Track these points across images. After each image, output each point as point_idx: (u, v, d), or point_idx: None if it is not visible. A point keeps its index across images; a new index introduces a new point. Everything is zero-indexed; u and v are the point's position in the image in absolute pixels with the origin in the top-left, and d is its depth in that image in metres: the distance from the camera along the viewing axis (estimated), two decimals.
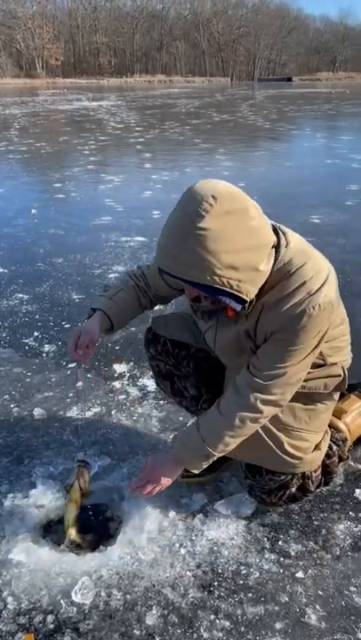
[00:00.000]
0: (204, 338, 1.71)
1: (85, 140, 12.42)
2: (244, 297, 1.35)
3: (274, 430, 1.60)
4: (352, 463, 1.94)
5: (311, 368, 1.55)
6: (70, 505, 1.69)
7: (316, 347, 1.47)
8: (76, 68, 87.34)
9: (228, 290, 1.32)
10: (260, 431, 1.58)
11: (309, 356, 1.49)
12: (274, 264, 1.39)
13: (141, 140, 12.43)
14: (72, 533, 1.66)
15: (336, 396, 1.71)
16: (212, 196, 1.25)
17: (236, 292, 1.33)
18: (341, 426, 1.89)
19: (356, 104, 25.56)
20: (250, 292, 1.36)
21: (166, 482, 1.60)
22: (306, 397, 1.64)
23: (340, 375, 1.64)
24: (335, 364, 1.62)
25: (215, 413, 1.55)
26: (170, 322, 1.91)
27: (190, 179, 7.74)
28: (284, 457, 1.61)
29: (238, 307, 1.38)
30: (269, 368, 1.47)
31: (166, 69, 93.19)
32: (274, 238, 1.39)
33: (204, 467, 1.59)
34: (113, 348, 2.91)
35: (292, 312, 1.38)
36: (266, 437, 1.59)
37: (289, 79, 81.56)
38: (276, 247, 1.41)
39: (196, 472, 1.61)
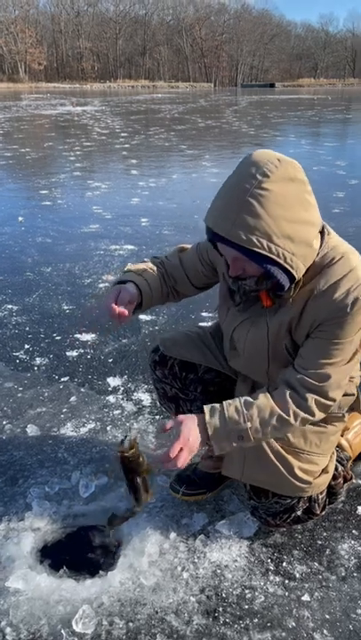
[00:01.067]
0: (232, 337, 1.61)
1: (71, 145, 12.34)
2: (295, 273, 1.31)
3: (284, 453, 1.55)
4: (354, 480, 1.91)
5: None
6: (144, 476, 1.48)
7: (359, 343, 1.44)
8: (60, 72, 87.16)
9: (281, 262, 1.27)
10: (270, 454, 1.54)
11: (357, 355, 1.45)
12: (319, 248, 1.38)
13: (127, 145, 12.39)
14: (148, 498, 1.51)
15: (346, 417, 1.68)
16: (278, 159, 1.25)
17: (288, 267, 1.28)
18: (344, 443, 1.87)
19: (339, 110, 25.85)
20: (300, 269, 1.32)
21: (194, 451, 1.42)
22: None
23: (353, 394, 1.62)
24: (352, 379, 1.60)
25: (267, 400, 1.43)
26: (178, 340, 1.83)
27: (177, 185, 7.74)
28: (294, 481, 1.57)
29: (287, 283, 1.33)
30: (318, 366, 1.41)
31: (150, 74, 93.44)
32: (322, 221, 1.39)
33: (227, 450, 1.43)
34: (106, 360, 2.86)
35: (343, 300, 1.34)
36: (276, 461, 1.55)
37: (272, 85, 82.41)
38: (321, 232, 1.40)
39: (216, 452, 1.43)
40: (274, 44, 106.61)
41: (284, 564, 1.66)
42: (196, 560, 1.66)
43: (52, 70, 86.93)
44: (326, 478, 1.68)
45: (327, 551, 1.70)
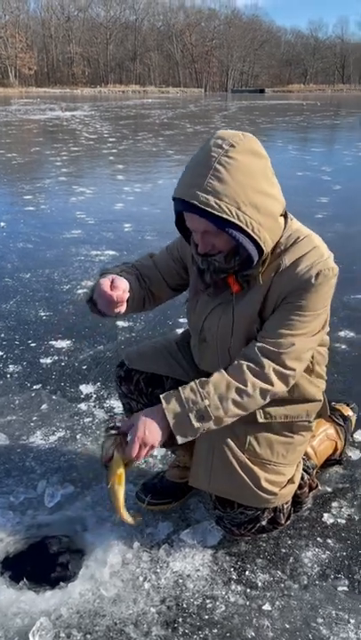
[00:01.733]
0: (203, 327, 1.59)
1: (58, 150, 12.33)
2: (262, 245, 1.34)
3: (250, 465, 1.54)
4: (320, 487, 1.91)
5: (303, 374, 1.55)
6: (114, 487, 1.45)
7: (324, 323, 1.48)
8: (50, 77, 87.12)
9: (249, 231, 1.31)
10: (237, 465, 1.53)
11: (318, 333, 1.47)
12: (283, 229, 1.43)
13: (114, 150, 12.40)
14: (128, 519, 1.50)
15: (314, 426, 1.68)
16: (242, 134, 1.33)
17: (255, 237, 1.32)
18: (310, 451, 1.86)
19: (327, 116, 26.05)
20: (267, 241, 1.36)
21: (155, 445, 1.40)
22: (285, 429, 1.60)
23: (320, 400, 1.62)
24: (320, 376, 1.63)
25: (223, 376, 1.41)
26: (144, 353, 1.80)
27: (163, 191, 7.74)
28: (260, 492, 1.55)
29: (255, 255, 1.36)
30: (279, 336, 1.41)
31: (140, 80, 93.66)
32: (285, 203, 1.43)
33: (189, 438, 1.40)
34: (80, 367, 2.84)
35: (307, 273, 1.39)
36: (242, 472, 1.53)
37: (262, 91, 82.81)
38: (284, 217, 1.46)
39: (179, 441, 1.38)
40: (264, 50, 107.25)
41: (247, 572, 1.65)
42: (158, 570, 1.65)
43: (42, 75, 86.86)
44: (292, 488, 1.67)
45: (291, 559, 1.69)
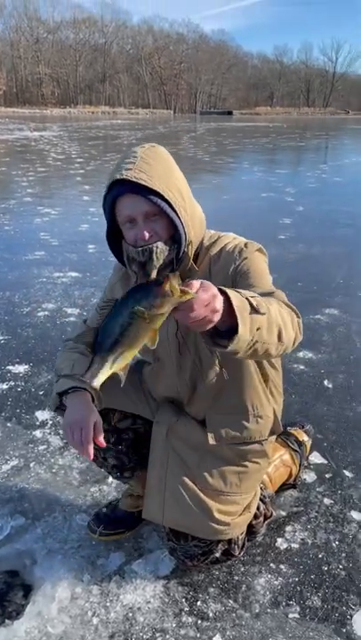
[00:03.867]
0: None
1: (24, 171, 12.28)
2: (187, 228, 1.39)
3: (202, 496, 1.52)
4: (275, 514, 1.90)
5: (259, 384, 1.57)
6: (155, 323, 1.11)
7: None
8: (19, 97, 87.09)
9: (177, 212, 1.37)
10: (188, 498, 1.52)
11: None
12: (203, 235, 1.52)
13: (82, 171, 12.41)
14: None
15: (270, 453, 1.67)
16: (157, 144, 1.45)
17: (182, 220, 1.38)
18: (265, 478, 1.86)
19: (293, 138, 26.70)
20: (190, 231, 1.41)
21: (214, 318, 1.10)
22: (238, 456, 1.59)
23: (272, 417, 1.62)
24: (276, 387, 1.65)
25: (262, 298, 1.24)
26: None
27: None
28: (212, 524, 1.53)
29: (183, 235, 1.39)
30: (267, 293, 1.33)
31: (110, 101, 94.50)
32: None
33: (247, 330, 1.12)
34: (37, 393, 2.79)
35: (237, 248, 1.48)
36: (193, 505, 1.52)
37: (230, 113, 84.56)
38: None
39: (241, 331, 1.11)
40: (231, 74, 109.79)
41: (199, 602, 1.62)
42: (108, 604, 1.61)
43: (11, 95, 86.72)
44: (247, 518, 1.66)
45: (243, 587, 1.68)
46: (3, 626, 1.54)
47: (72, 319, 3.78)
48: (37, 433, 2.46)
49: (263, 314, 1.17)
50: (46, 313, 3.88)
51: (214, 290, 1.09)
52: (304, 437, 2.16)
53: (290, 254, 5.44)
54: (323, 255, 5.54)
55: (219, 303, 1.09)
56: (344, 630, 1.53)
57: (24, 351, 3.27)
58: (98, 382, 1.13)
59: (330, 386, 2.91)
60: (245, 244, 1.50)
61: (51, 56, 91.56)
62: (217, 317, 1.09)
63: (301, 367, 3.10)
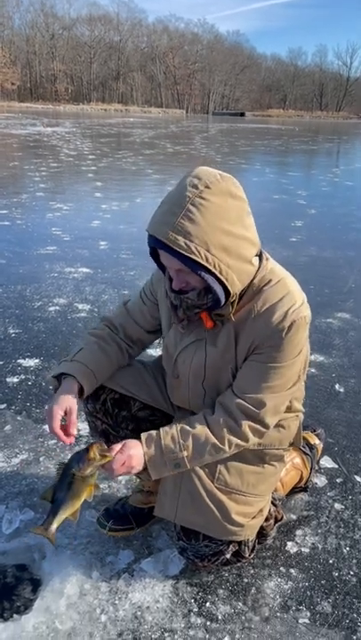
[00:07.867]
0: (176, 361, 1.57)
1: (37, 166, 12.30)
2: (229, 287, 1.33)
3: (219, 495, 1.51)
4: (285, 517, 1.88)
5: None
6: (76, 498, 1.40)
7: (300, 371, 1.48)
8: (33, 93, 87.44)
9: (216, 273, 1.29)
10: (205, 496, 1.50)
11: (296, 384, 1.48)
12: (257, 270, 1.42)
13: (94, 168, 12.43)
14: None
15: (286, 457, 1.66)
16: (220, 174, 1.30)
17: (223, 278, 1.30)
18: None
19: (305, 141, 26.62)
20: (235, 284, 1.34)
21: (132, 471, 1.44)
22: (257, 457, 1.58)
23: (295, 430, 1.61)
24: (297, 415, 1.62)
25: (203, 428, 1.45)
26: (117, 372, 1.71)
27: (140, 209, 7.78)
28: (227, 525, 1.51)
29: (223, 297, 1.35)
30: (256, 391, 1.42)
31: (123, 99, 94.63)
32: (260, 245, 1.43)
33: (164, 475, 1.47)
34: (47, 387, 2.79)
35: (281, 324, 1.38)
36: (211, 504, 1.50)
37: (242, 114, 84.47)
38: (259, 256, 1.44)
39: (153, 478, 1.46)
40: (245, 75, 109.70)
41: (208, 604, 1.61)
42: (116, 601, 1.60)
43: (25, 90, 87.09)
44: (260, 520, 1.64)
45: (253, 590, 1.66)
46: (11, 620, 1.53)
47: (83, 315, 3.77)
48: (47, 427, 2.44)
49: (185, 467, 1.45)
50: (57, 308, 3.88)
51: (132, 451, 1.40)
52: (316, 441, 2.14)
53: (301, 257, 5.42)
54: (335, 258, 5.51)
55: (135, 461, 1.40)
56: (355, 637, 1.52)
57: (35, 345, 3.27)
58: (52, 529, 1.40)
59: (341, 390, 2.89)
60: (292, 325, 1.37)
61: (65, 52, 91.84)
62: (135, 470, 1.42)
63: (313, 371, 3.08)
